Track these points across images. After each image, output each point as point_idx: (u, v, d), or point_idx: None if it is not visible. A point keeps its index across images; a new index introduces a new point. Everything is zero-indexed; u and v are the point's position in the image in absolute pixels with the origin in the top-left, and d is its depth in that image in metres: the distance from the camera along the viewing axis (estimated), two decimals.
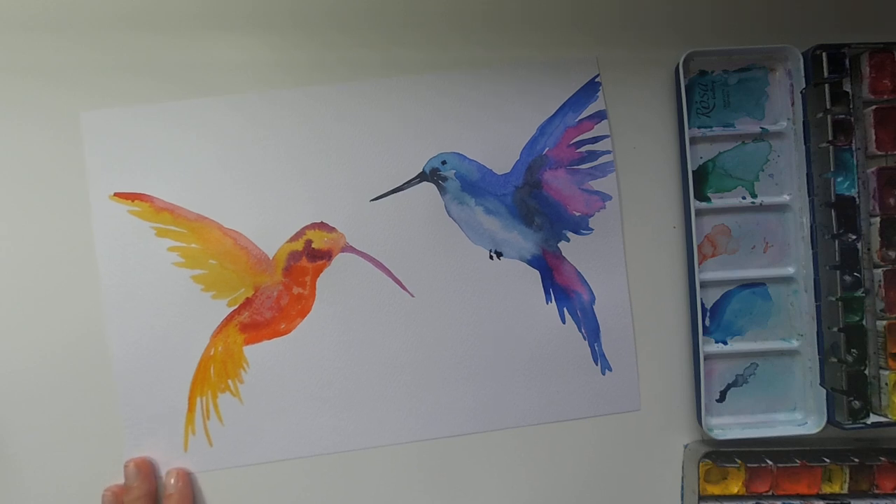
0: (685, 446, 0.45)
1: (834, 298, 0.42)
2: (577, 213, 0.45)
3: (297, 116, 0.44)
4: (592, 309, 0.45)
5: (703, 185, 0.44)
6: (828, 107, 0.42)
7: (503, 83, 0.45)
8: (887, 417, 0.42)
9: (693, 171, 0.43)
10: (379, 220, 0.44)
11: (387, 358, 0.44)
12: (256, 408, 0.44)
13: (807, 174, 0.43)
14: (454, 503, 0.44)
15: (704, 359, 0.43)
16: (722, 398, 0.44)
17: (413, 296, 0.44)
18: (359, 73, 0.44)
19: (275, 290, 0.44)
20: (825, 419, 0.42)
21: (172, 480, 0.43)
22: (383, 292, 0.44)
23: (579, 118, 0.45)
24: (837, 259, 0.42)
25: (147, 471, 0.43)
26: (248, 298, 0.44)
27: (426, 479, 0.44)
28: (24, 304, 0.43)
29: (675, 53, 0.43)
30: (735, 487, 0.43)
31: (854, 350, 0.42)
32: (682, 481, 0.45)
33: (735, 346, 0.44)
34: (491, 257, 0.45)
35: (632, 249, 0.45)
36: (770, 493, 0.43)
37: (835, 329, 0.42)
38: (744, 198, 0.44)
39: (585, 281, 0.45)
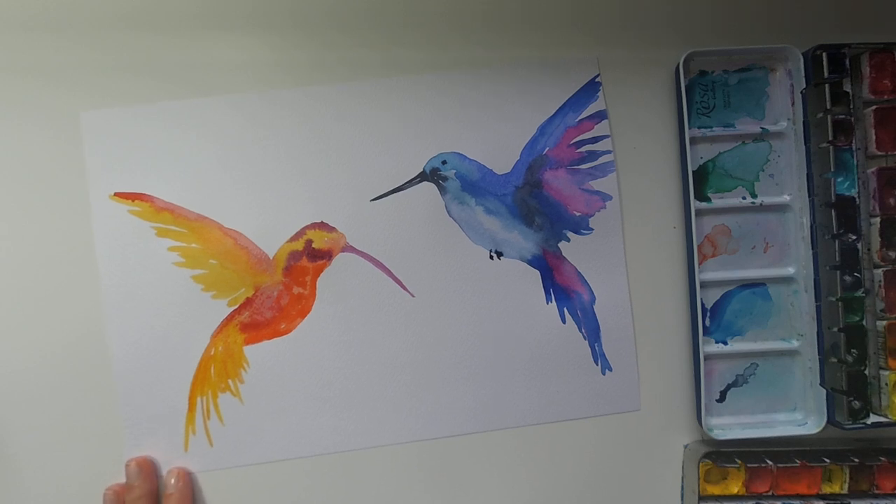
0: (685, 446, 0.45)
1: (834, 298, 0.42)
2: (578, 213, 0.45)
3: (297, 116, 0.44)
4: (592, 309, 0.45)
5: (703, 185, 0.44)
6: (828, 107, 0.42)
7: (503, 83, 0.45)
8: (887, 417, 0.42)
9: (693, 171, 0.43)
10: (379, 220, 0.44)
11: (387, 358, 0.44)
12: (257, 408, 0.44)
13: (807, 174, 0.43)
14: (454, 503, 0.44)
15: (704, 359, 0.43)
16: (722, 398, 0.44)
17: (413, 296, 0.44)
18: (359, 73, 0.44)
19: (275, 290, 0.44)
20: (825, 419, 0.42)
21: (173, 480, 0.43)
22: (383, 292, 0.44)
23: (579, 118, 0.45)
24: (837, 259, 0.42)
25: (148, 470, 0.43)
26: (248, 298, 0.44)
27: (426, 479, 0.44)
28: (24, 304, 0.43)
29: (675, 53, 0.43)
30: (735, 487, 0.43)
31: (854, 350, 0.42)
32: (682, 481, 0.45)
33: (735, 346, 0.44)
34: (491, 257, 0.45)
35: (632, 249, 0.45)
36: (770, 494, 0.43)
37: (835, 329, 0.42)
38: (744, 198, 0.44)
39: (585, 281, 0.45)
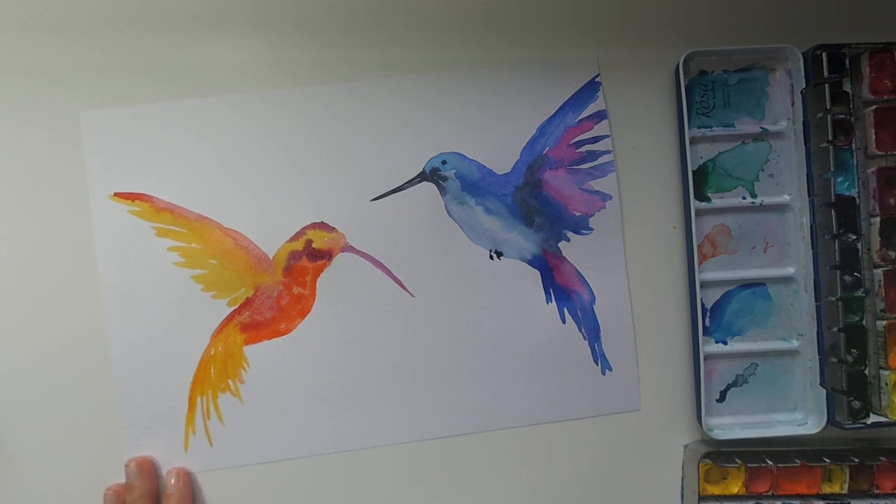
0: (685, 446, 0.45)
1: (834, 298, 0.42)
2: (578, 213, 0.45)
3: (297, 116, 0.44)
4: (592, 309, 0.45)
5: (703, 185, 0.44)
6: (828, 107, 0.42)
7: (503, 83, 0.45)
8: (887, 417, 0.42)
9: (693, 171, 0.43)
10: (379, 220, 0.44)
11: (387, 358, 0.44)
12: (257, 408, 0.44)
13: (807, 174, 0.43)
14: (454, 503, 0.44)
15: (704, 359, 0.43)
16: (722, 398, 0.44)
17: (413, 296, 0.44)
18: (359, 73, 0.44)
19: (275, 290, 0.44)
20: (825, 419, 0.42)
21: (173, 480, 0.43)
22: (383, 292, 0.44)
23: (579, 118, 0.45)
24: (837, 259, 0.42)
25: (149, 470, 0.43)
26: (248, 298, 0.44)
27: (426, 479, 0.44)
28: (24, 304, 0.43)
29: (675, 53, 0.43)
30: (735, 487, 0.43)
31: (854, 350, 0.42)
32: (682, 481, 0.45)
33: (735, 346, 0.44)
34: (491, 257, 0.45)
35: (632, 249, 0.45)
36: (770, 493, 0.43)
37: (835, 329, 0.42)
38: (744, 198, 0.44)
39: (585, 281, 0.45)
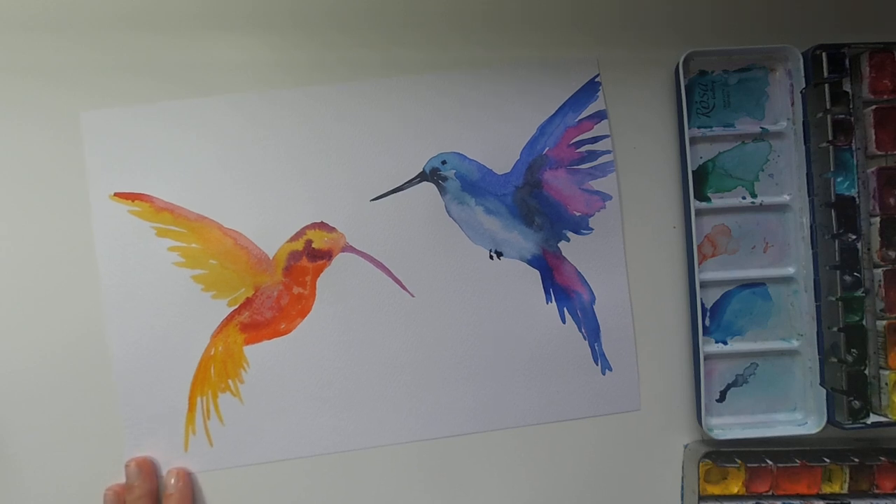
0: (685, 446, 0.45)
1: (834, 298, 0.42)
2: (578, 213, 0.45)
3: (297, 116, 0.44)
4: (592, 309, 0.45)
5: (703, 185, 0.44)
6: (828, 107, 0.42)
7: (503, 83, 0.45)
8: (887, 417, 0.42)
9: (693, 171, 0.43)
10: (379, 220, 0.44)
11: (387, 358, 0.44)
12: (257, 408, 0.44)
13: (807, 174, 0.43)
14: (454, 503, 0.44)
15: (704, 359, 0.43)
16: (722, 398, 0.44)
17: (413, 296, 0.44)
18: (359, 73, 0.44)
19: (275, 290, 0.44)
20: (825, 419, 0.42)
21: (173, 480, 0.43)
22: (383, 292, 0.44)
23: (579, 118, 0.45)
24: (837, 259, 0.42)
25: (149, 470, 0.43)
26: (248, 298, 0.44)
27: (426, 479, 0.44)
28: (24, 304, 0.43)
29: (675, 53, 0.43)
30: (735, 487, 0.43)
31: (854, 350, 0.42)
32: (682, 481, 0.45)
33: (735, 346, 0.44)
34: (491, 257, 0.45)
35: (632, 249, 0.45)
36: (770, 493, 0.43)
37: (835, 329, 0.42)
38: (744, 198, 0.44)
39: (585, 281, 0.45)
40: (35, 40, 0.44)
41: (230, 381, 0.44)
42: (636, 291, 0.45)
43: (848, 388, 0.42)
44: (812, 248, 0.43)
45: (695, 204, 0.43)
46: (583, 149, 0.45)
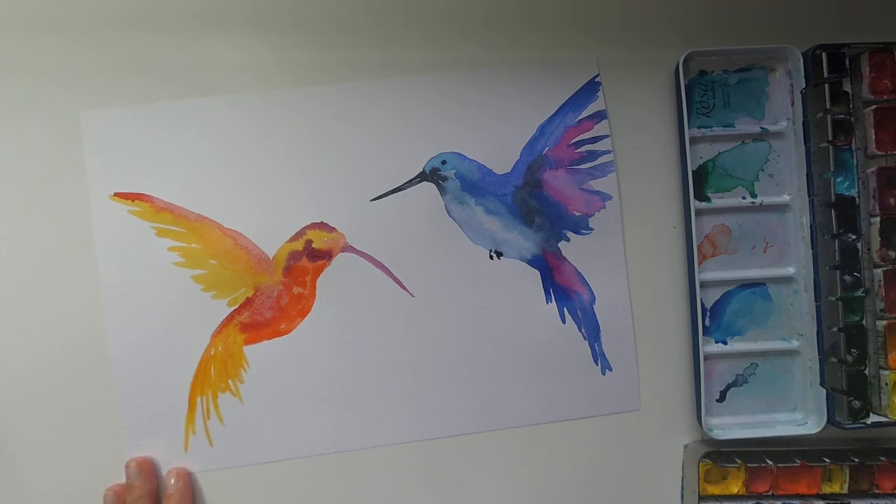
0: (685, 446, 0.45)
1: (834, 298, 0.42)
2: (578, 213, 0.45)
3: (297, 116, 0.44)
4: (592, 309, 0.45)
5: (703, 185, 0.44)
6: (828, 107, 0.42)
7: (503, 83, 0.45)
8: (887, 417, 0.42)
9: (693, 171, 0.43)
10: (379, 220, 0.44)
11: (387, 358, 0.44)
12: (256, 408, 0.44)
13: (807, 174, 0.43)
14: (454, 503, 0.44)
15: (704, 359, 0.43)
16: (722, 398, 0.44)
17: (413, 296, 0.44)
18: (359, 73, 0.44)
19: (275, 290, 0.44)
20: (825, 419, 0.42)
21: (173, 480, 0.43)
22: (383, 292, 0.44)
23: (579, 118, 0.45)
24: (837, 259, 0.42)
25: (149, 470, 0.43)
26: (248, 298, 0.44)
27: (426, 479, 0.44)
28: (24, 304, 0.43)
29: (675, 53, 0.43)
30: (735, 487, 0.43)
31: (854, 350, 0.42)
32: (682, 481, 0.45)
33: (735, 346, 0.44)
34: (491, 257, 0.45)
35: (632, 249, 0.45)
36: (770, 493, 0.43)
37: (835, 329, 0.42)
38: (744, 198, 0.44)
39: (585, 281, 0.45)
40: (35, 40, 0.44)
41: (230, 381, 0.44)
42: (636, 291, 0.45)
43: (848, 388, 0.42)
44: (812, 248, 0.43)
45: (695, 204, 0.43)
46: (583, 149, 0.45)
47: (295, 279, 0.44)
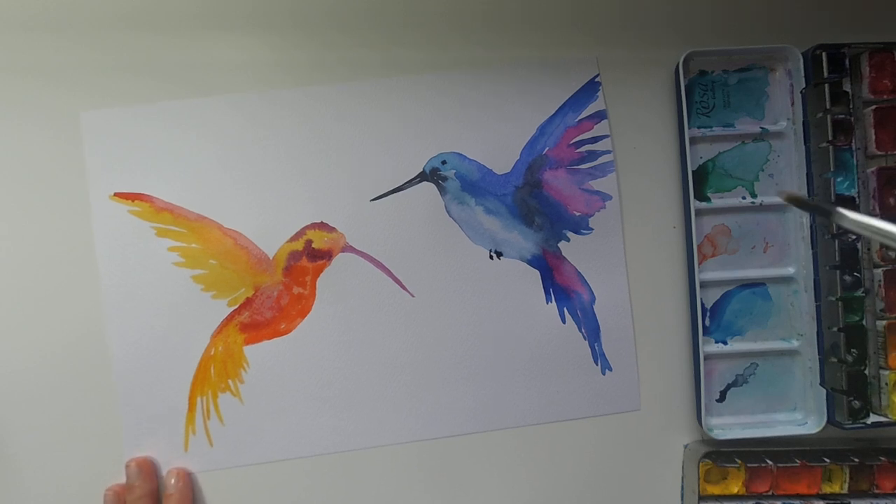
0: (685, 446, 0.45)
1: (834, 298, 0.42)
2: (578, 213, 0.45)
3: (297, 116, 0.44)
4: (592, 309, 0.45)
5: (703, 185, 0.44)
6: (828, 107, 0.42)
7: (503, 83, 0.45)
8: (887, 417, 0.42)
9: (693, 171, 0.43)
10: (379, 220, 0.44)
11: (387, 358, 0.44)
12: (256, 408, 0.44)
13: (807, 174, 0.43)
14: (454, 503, 0.44)
15: (704, 359, 0.43)
16: (722, 398, 0.44)
17: (413, 296, 0.44)
18: (359, 73, 0.44)
19: (275, 290, 0.44)
20: (825, 419, 0.42)
21: (173, 480, 0.43)
22: (383, 292, 0.44)
23: (579, 118, 0.45)
24: (837, 259, 0.42)
25: (149, 470, 0.43)
26: (248, 298, 0.44)
27: (426, 479, 0.44)
28: (24, 304, 0.43)
29: (675, 53, 0.43)
30: (735, 487, 0.43)
31: (854, 350, 0.42)
32: (682, 481, 0.45)
33: (735, 346, 0.44)
34: (491, 257, 0.45)
35: (632, 249, 0.45)
36: (770, 493, 0.43)
37: (835, 329, 0.42)
38: (744, 198, 0.44)
39: (585, 281, 0.45)
40: (35, 40, 0.44)
41: (230, 381, 0.44)
42: (636, 291, 0.45)
43: (848, 388, 0.42)
44: (812, 248, 0.43)
45: (695, 204, 0.43)
46: (583, 149, 0.45)
47: (295, 279, 0.44)
